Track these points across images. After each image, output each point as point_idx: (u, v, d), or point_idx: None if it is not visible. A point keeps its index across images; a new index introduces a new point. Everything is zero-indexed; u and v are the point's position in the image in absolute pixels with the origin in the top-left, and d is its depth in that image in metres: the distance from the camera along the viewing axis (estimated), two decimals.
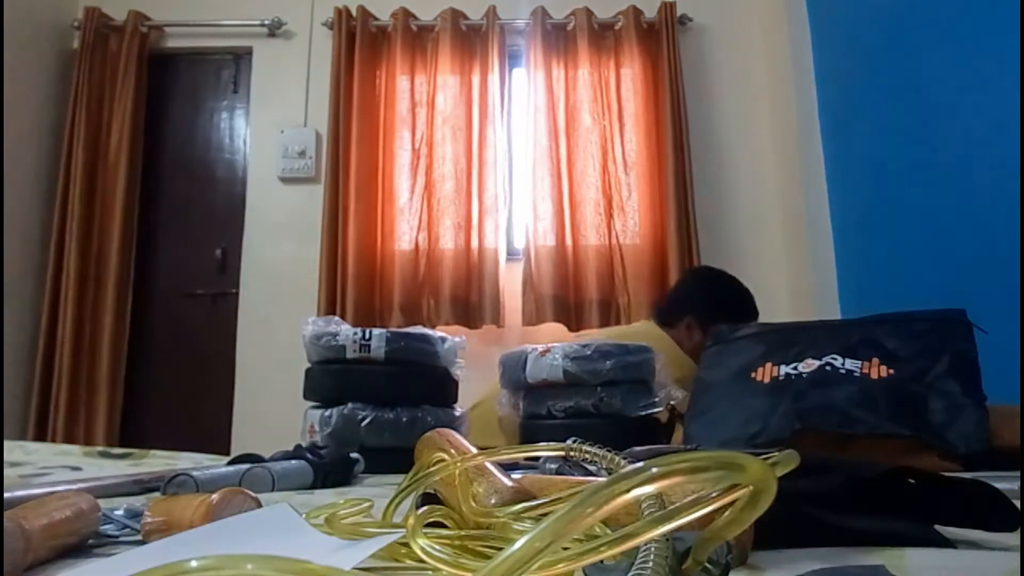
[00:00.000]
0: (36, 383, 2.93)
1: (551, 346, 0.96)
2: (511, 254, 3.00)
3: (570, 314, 2.88)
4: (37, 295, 3.03)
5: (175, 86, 3.35)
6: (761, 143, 3.13)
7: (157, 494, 0.64)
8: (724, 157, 3.14)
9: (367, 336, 0.93)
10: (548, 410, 0.94)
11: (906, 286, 1.88)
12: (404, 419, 0.91)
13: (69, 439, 2.86)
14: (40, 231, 3.09)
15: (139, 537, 0.42)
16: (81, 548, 0.41)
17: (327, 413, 0.92)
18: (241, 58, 3.34)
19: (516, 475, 0.47)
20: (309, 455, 0.73)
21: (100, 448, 1.12)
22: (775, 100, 3.03)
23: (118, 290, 3.03)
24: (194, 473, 0.60)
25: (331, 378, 0.96)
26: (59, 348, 2.96)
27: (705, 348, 0.97)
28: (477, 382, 1.55)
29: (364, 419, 0.90)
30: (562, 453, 0.40)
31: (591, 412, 0.91)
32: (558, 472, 0.55)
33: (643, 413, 0.91)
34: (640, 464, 0.20)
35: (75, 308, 2.97)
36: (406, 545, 0.33)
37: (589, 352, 0.91)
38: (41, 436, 2.84)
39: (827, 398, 0.77)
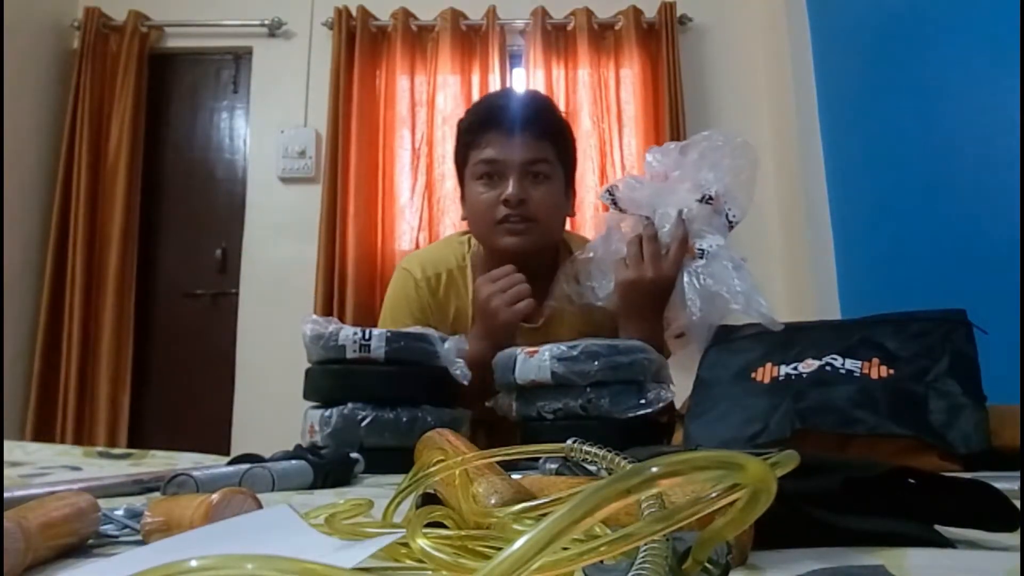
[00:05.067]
0: (35, 383, 2.93)
1: (539, 347, 0.95)
2: None
3: None
4: (37, 295, 3.03)
5: (175, 86, 3.35)
6: (761, 143, 3.12)
7: (157, 494, 0.64)
8: None
9: (367, 336, 0.93)
10: (538, 411, 0.93)
11: (906, 286, 1.88)
12: (404, 419, 0.91)
13: (71, 439, 2.86)
14: (40, 231, 3.09)
15: (139, 537, 0.42)
16: (81, 548, 0.41)
17: (327, 413, 0.92)
18: (241, 58, 3.34)
19: (516, 475, 0.47)
20: (309, 455, 0.73)
21: (100, 448, 1.12)
22: (775, 100, 3.03)
23: (119, 290, 3.03)
24: (194, 473, 0.60)
25: (331, 378, 0.95)
26: (61, 348, 2.96)
27: (705, 348, 0.97)
28: None
29: (364, 419, 0.90)
30: (562, 453, 0.40)
31: (580, 414, 0.90)
32: (558, 472, 0.55)
33: (631, 415, 0.89)
34: (640, 464, 0.20)
35: (76, 308, 2.98)
36: (406, 545, 0.33)
37: (576, 353, 0.91)
38: (44, 437, 2.84)
39: (827, 398, 0.77)
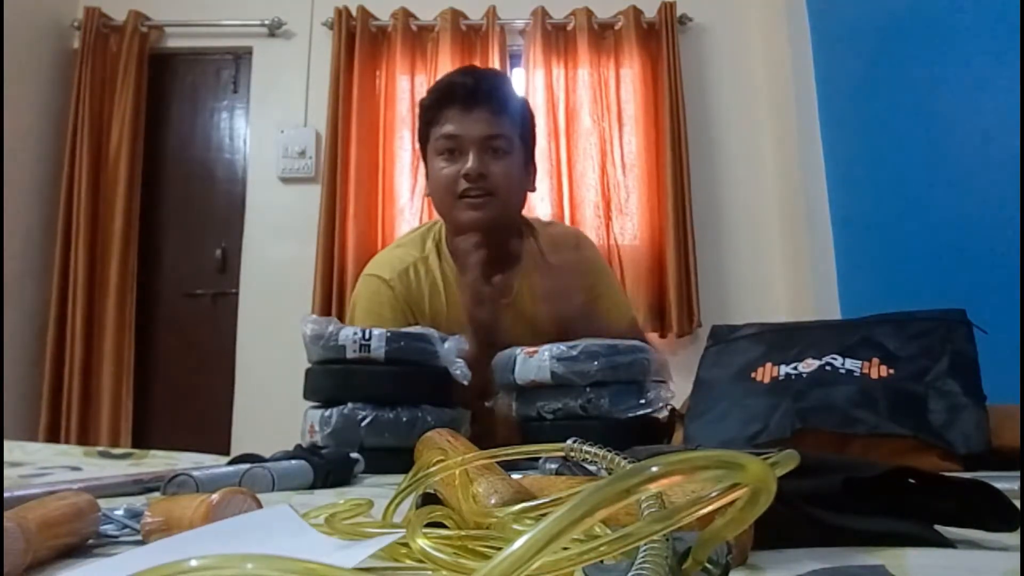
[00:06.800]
0: (46, 386, 2.93)
1: (539, 347, 0.95)
2: None
3: None
4: (37, 296, 3.03)
5: (175, 86, 3.35)
6: (761, 143, 3.13)
7: (157, 494, 0.64)
8: (724, 157, 3.13)
9: (367, 336, 0.93)
10: (538, 411, 0.93)
11: (906, 286, 1.88)
12: (404, 419, 0.91)
13: (75, 440, 2.86)
14: (40, 231, 3.09)
15: (139, 537, 0.42)
16: (81, 548, 0.41)
17: (327, 413, 0.92)
18: (241, 58, 3.34)
19: (516, 475, 0.47)
20: (309, 455, 0.73)
21: (100, 448, 1.12)
22: (775, 100, 3.03)
23: (119, 290, 3.03)
24: (194, 473, 0.60)
25: (331, 378, 0.95)
26: (65, 349, 2.96)
27: (705, 348, 0.97)
28: None
29: (364, 419, 0.90)
30: (562, 453, 0.40)
31: (580, 414, 0.90)
32: (558, 472, 0.55)
33: (631, 415, 0.89)
34: (640, 464, 0.20)
35: (79, 309, 2.97)
36: (406, 545, 0.33)
37: (575, 353, 0.91)
38: (54, 438, 2.84)
39: (827, 398, 0.77)
